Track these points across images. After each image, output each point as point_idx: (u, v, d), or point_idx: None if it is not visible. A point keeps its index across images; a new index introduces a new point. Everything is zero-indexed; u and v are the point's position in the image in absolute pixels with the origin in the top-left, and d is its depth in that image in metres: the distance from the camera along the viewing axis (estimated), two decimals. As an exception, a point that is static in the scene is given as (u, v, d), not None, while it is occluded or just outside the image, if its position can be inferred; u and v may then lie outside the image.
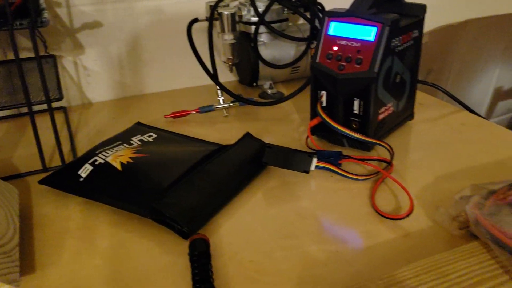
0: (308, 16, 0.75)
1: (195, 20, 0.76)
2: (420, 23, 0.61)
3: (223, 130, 0.69)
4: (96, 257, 0.44)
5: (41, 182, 0.54)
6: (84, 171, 0.53)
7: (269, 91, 0.80)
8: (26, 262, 0.44)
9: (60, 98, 0.57)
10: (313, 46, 0.78)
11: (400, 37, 0.57)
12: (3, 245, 0.41)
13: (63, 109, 0.77)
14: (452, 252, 0.41)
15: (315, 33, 0.76)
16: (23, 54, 0.75)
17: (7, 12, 0.50)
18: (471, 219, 0.44)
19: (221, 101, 0.74)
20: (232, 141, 0.59)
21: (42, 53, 0.74)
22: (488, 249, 0.42)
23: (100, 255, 0.44)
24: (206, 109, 0.74)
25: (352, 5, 0.58)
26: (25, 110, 0.77)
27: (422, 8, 0.61)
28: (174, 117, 0.73)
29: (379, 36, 0.54)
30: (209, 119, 0.73)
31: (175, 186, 0.50)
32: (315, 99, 0.60)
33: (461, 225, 0.46)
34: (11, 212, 0.47)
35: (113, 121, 0.74)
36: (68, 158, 0.62)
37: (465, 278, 0.39)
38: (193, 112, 0.73)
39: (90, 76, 0.80)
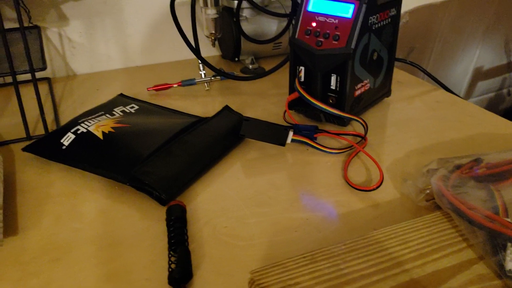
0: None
1: (179, -6, 0.76)
2: (398, 2, 0.63)
3: (205, 104, 0.71)
4: (76, 221, 0.46)
5: (24, 149, 0.55)
6: (67, 140, 0.55)
7: (250, 66, 0.82)
8: (9, 225, 0.45)
9: (43, 68, 0.58)
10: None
11: (378, 14, 0.59)
12: (-15, 208, 0.43)
13: (47, 79, 0.78)
14: (414, 221, 0.44)
15: (297, 10, 0.77)
16: (8, 25, 0.75)
17: (-12, -20, 0.51)
18: (435, 191, 0.46)
19: (203, 75, 0.75)
20: (213, 114, 0.61)
21: (26, 24, 0.75)
22: (449, 219, 0.44)
23: (80, 219, 0.46)
24: (188, 83, 0.75)
25: (332, -18, 0.59)
26: (10, 80, 0.77)
27: (401, -13, 0.62)
28: (156, 90, 0.74)
29: (356, 13, 0.55)
30: (191, 92, 0.75)
31: (154, 155, 0.51)
32: (293, 75, 0.62)
33: (427, 197, 0.49)
34: (-6, 177, 0.49)
35: (97, 92, 0.75)
36: (52, 127, 0.63)
37: (425, 245, 0.41)
38: (175, 85, 0.74)
39: (75, 48, 0.80)
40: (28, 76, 0.74)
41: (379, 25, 0.60)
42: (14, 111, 0.68)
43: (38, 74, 0.70)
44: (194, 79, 0.75)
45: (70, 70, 0.82)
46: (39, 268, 0.40)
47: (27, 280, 0.39)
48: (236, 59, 0.83)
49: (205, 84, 0.76)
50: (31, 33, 0.73)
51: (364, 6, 0.55)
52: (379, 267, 0.36)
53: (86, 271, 0.40)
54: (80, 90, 0.76)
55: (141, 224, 0.46)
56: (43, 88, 0.76)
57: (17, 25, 0.75)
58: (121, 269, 0.40)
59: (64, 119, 0.65)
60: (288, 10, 0.81)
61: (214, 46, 0.86)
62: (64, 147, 0.54)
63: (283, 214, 0.47)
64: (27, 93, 0.73)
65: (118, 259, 0.41)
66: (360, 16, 0.55)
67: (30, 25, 0.73)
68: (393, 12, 0.62)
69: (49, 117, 0.65)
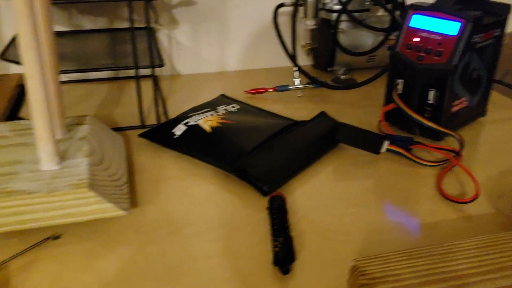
0: (389, 8, 0.78)
1: (281, 5, 0.81)
2: (502, 23, 0.63)
3: (296, 109, 0.74)
4: (188, 202, 0.51)
5: (141, 135, 0.62)
6: (178, 130, 0.61)
7: (342, 77, 0.85)
8: (130, 198, 0.51)
9: (162, 64, 0.65)
10: (391, 37, 0.81)
11: (482, 34, 0.60)
12: (116, 180, 0.49)
13: (153, 77, 0.85)
14: None
15: (394, 25, 0.79)
16: (124, 24, 0.84)
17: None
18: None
19: (297, 82, 0.79)
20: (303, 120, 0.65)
21: (140, 25, 0.83)
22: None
23: (191, 201, 0.51)
24: (282, 88, 0.79)
25: (437, 0, 0.61)
26: (122, 74, 0.86)
27: (507, 8, 0.63)
28: (252, 93, 0.79)
29: (461, 31, 0.57)
30: (284, 98, 0.79)
31: (258, 150, 0.56)
32: (391, 86, 0.64)
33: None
34: (121, 156, 0.56)
35: (198, 92, 0.81)
36: (161, 119, 0.69)
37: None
38: (270, 90, 0.79)
39: (181, 50, 0.87)
40: (140, 72, 0.82)
41: (482, 44, 0.61)
42: (126, 102, 0.76)
43: (145, 72, 0.78)
44: (288, 85, 0.79)
45: (175, 70, 0.89)
46: (157, 238, 0.46)
47: (149, 246, 0.45)
48: (329, 69, 0.87)
49: (298, 90, 0.80)
50: (143, 34, 0.81)
51: (470, 25, 0.57)
52: (480, 270, 0.37)
53: (199, 245, 0.45)
54: (184, 89, 0.82)
55: (243, 210, 0.50)
56: (150, 85, 0.83)
57: (128, 25, 0.84)
58: (229, 247, 0.45)
59: (171, 113, 0.71)
60: (384, 25, 0.83)
61: (308, 56, 0.90)
62: (175, 136, 0.60)
63: (376, 216, 0.49)
64: (135, 87, 0.81)
65: (226, 238, 0.46)
66: (465, 35, 0.57)
67: (156, 26, 0.81)
68: (497, 32, 0.63)
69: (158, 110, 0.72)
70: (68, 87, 0.82)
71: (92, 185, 0.44)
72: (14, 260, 0.42)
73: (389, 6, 0.79)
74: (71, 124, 0.54)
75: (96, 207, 0.44)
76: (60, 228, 0.46)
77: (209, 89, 0.82)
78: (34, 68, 0.42)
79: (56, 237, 0.45)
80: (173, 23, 0.85)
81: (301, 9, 0.80)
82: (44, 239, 0.45)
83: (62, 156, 0.47)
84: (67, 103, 0.75)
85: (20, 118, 0.69)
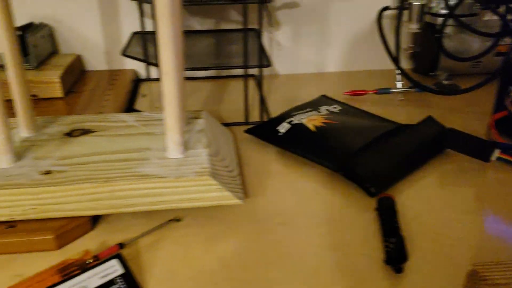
0: (500, 12, 0.76)
1: (386, 8, 0.81)
2: None
3: (396, 113, 0.74)
4: (295, 196, 0.53)
5: (246, 131, 0.65)
6: (283, 128, 0.63)
7: (444, 82, 0.83)
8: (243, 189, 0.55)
9: (269, 64, 0.67)
10: (501, 42, 0.78)
11: None
12: (231, 171, 0.53)
13: (254, 76, 0.89)
14: None
15: (506, 30, 0.76)
16: (228, 26, 0.88)
17: (245, -12, 0.62)
18: None
19: (399, 86, 0.79)
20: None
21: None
22: None
23: (298, 195, 0.53)
24: (383, 91, 0.79)
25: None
26: (224, 73, 0.90)
27: None
28: (352, 95, 0.80)
29: None
30: (384, 101, 0.79)
31: (364, 151, 0.57)
32: (503, 93, 0.62)
33: None
34: (231, 149, 0.59)
35: (297, 92, 0.83)
36: (262, 117, 0.72)
37: None
38: (371, 93, 0.79)
39: (281, 51, 0.90)
40: (237, 72, 0.86)
41: None
42: (228, 100, 0.80)
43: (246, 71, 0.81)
44: (390, 88, 0.79)
45: (273, 69, 0.92)
46: (269, 228, 0.48)
47: (262, 235, 0.47)
48: (431, 73, 0.85)
49: (400, 94, 0.79)
50: (249, 35, 0.84)
51: None
52: None
53: (308, 237, 0.47)
54: (283, 88, 0.85)
55: (348, 209, 0.51)
56: (251, 83, 0.87)
57: (234, 26, 0.88)
58: (339, 242, 0.46)
59: (271, 111, 0.74)
60: (492, 30, 0.80)
61: (410, 60, 0.89)
62: (280, 134, 0.62)
63: (489, 224, 0.48)
64: (237, 86, 0.85)
65: (334, 234, 0.47)
66: None
67: (269, 28, 0.85)
68: None
69: (258, 108, 0.75)
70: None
71: (213, 174, 0.48)
72: (142, 238, 0.47)
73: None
74: (190, 118, 0.59)
75: (216, 194, 0.47)
76: (180, 212, 0.50)
77: (307, 89, 0.84)
78: (170, 65, 0.46)
79: (178, 220, 0.49)
80: (274, 24, 0.87)
81: (405, 12, 0.79)
82: (168, 221, 0.49)
83: (185, 146, 0.51)
84: (176, 98, 0.80)
85: (136, 110, 0.76)
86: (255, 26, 0.87)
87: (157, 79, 0.89)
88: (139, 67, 0.89)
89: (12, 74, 0.52)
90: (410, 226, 0.48)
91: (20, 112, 0.54)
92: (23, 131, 0.54)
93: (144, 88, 0.85)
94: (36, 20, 0.83)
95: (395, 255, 0.42)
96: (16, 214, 0.45)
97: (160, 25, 0.45)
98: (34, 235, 0.45)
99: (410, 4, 0.79)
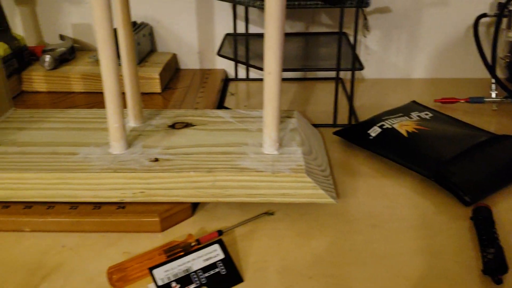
0: None
1: (483, 15, 0.79)
2: None
3: (488, 123, 0.72)
4: (385, 200, 0.54)
5: (335, 133, 0.66)
6: (373, 131, 0.63)
7: (544, 94, 0.79)
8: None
9: (362, 68, 0.68)
10: None
11: None
12: (324, 170, 0.54)
13: (340, 80, 0.89)
14: None
15: None
16: (317, 29, 0.89)
17: (343, -8, 0.63)
18: None
19: (494, 95, 0.76)
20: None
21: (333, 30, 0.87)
22: None
23: (387, 199, 0.54)
24: (476, 100, 0.77)
25: None
26: (310, 75, 0.91)
27: None
28: (442, 102, 0.78)
29: None
30: (476, 110, 0.76)
31: (459, 159, 0.56)
32: None
33: None
34: (322, 149, 0.60)
35: (385, 97, 0.83)
36: (351, 120, 0.73)
37: None
38: (462, 101, 0.77)
39: (369, 55, 0.90)
40: (325, 74, 0.87)
41: None
42: (315, 101, 0.81)
43: (331, 74, 0.82)
44: (483, 97, 0.76)
45: (360, 73, 0.92)
46: (360, 228, 0.49)
47: (353, 235, 0.48)
48: (529, 84, 0.81)
49: (494, 104, 0.76)
50: (336, 39, 0.85)
51: None
52: None
53: (401, 241, 0.47)
54: (370, 93, 0.85)
55: (439, 217, 0.51)
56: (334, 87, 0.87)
57: (323, 29, 0.89)
58: (430, 248, 0.46)
59: (358, 115, 0.74)
60: None
61: (507, 69, 0.86)
62: (371, 137, 0.63)
63: None
64: (322, 88, 0.86)
65: (426, 239, 0.47)
66: None
67: (364, 32, 0.86)
68: None
69: (347, 112, 0.76)
70: (260, 84, 0.90)
71: (308, 172, 0.49)
72: (238, 227, 0.49)
73: None
74: (282, 117, 0.61)
75: (310, 192, 0.49)
76: (273, 206, 0.52)
77: (395, 94, 0.84)
78: (273, 65, 0.48)
79: (271, 214, 0.51)
80: (370, 28, 0.88)
81: (504, 20, 0.77)
82: (261, 214, 0.51)
83: (279, 143, 0.53)
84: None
85: (226, 108, 0.79)
86: (345, 29, 0.88)
87: (245, 79, 0.92)
88: (228, 67, 0.92)
89: (125, 69, 0.57)
90: (508, 238, 0.47)
91: (130, 104, 0.59)
92: (131, 122, 0.59)
93: (232, 87, 0.89)
94: (138, 20, 0.89)
95: (495, 266, 0.41)
96: (126, 196, 0.50)
97: (268, 27, 0.47)
98: (141, 217, 0.49)
99: (511, 11, 0.76)
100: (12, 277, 0.43)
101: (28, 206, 0.50)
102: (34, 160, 0.51)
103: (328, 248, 0.47)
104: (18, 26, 0.90)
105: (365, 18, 0.77)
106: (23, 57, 0.80)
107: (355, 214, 0.52)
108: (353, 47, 0.69)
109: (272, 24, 0.47)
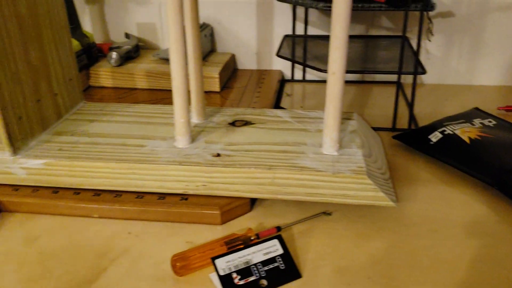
0: None
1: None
2: None
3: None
4: (443, 206, 0.53)
5: (395, 137, 0.66)
6: (434, 137, 0.62)
7: None
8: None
9: (424, 72, 0.67)
10: None
11: None
12: (384, 173, 0.54)
13: (399, 84, 0.88)
14: None
15: None
16: (377, 32, 0.89)
17: (408, -5, 0.62)
18: None
19: None
20: None
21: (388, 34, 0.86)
22: None
23: (447, 205, 0.53)
24: (543, 109, 0.74)
25: None
26: (367, 78, 0.91)
27: None
28: (506, 110, 0.76)
29: None
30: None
31: (526, 168, 0.54)
32: None
33: None
34: (381, 152, 0.60)
35: (445, 102, 0.81)
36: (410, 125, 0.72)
37: None
38: (528, 110, 0.74)
39: (429, 60, 0.88)
40: (381, 77, 0.87)
41: None
42: (373, 104, 0.81)
43: (393, 78, 0.81)
44: (552, 106, 0.73)
45: (420, 78, 0.90)
46: (420, 233, 0.49)
47: (417, 239, 0.48)
48: None
49: None
50: (397, 42, 0.84)
51: None
52: None
53: (461, 247, 0.46)
54: (430, 98, 0.83)
55: (503, 225, 0.49)
56: (393, 90, 0.87)
57: (383, 33, 0.88)
58: (492, 256, 0.45)
59: (418, 120, 0.73)
60: None
61: None
62: (431, 143, 0.62)
63: None
64: (379, 91, 0.86)
65: (489, 248, 0.46)
66: None
67: (428, 36, 0.85)
68: None
69: (406, 116, 0.75)
70: (316, 86, 0.91)
71: (369, 174, 0.49)
72: (296, 225, 0.50)
73: None
74: (342, 118, 0.61)
75: (371, 194, 0.49)
76: (330, 206, 0.53)
77: (455, 101, 0.82)
78: (338, 66, 0.49)
79: (328, 214, 0.52)
80: (427, 32, 0.86)
81: None
82: (319, 213, 0.52)
83: (339, 144, 0.54)
84: (321, 99, 0.83)
85: (282, 108, 0.80)
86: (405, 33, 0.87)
87: (301, 80, 0.93)
88: (285, 68, 0.93)
89: (191, 68, 0.59)
90: None
91: (194, 101, 0.61)
92: (194, 118, 0.61)
93: (288, 88, 0.90)
94: (200, 20, 0.91)
95: None
96: (189, 188, 0.51)
97: (334, 28, 0.47)
98: (203, 209, 0.50)
99: None
100: (83, 259, 0.46)
101: (97, 193, 0.53)
102: (104, 150, 0.54)
103: (387, 250, 0.46)
104: (87, 23, 0.95)
105: (430, 22, 0.76)
106: (92, 54, 0.84)
107: (413, 218, 0.51)
108: (415, 51, 0.68)
109: (339, 25, 0.47)
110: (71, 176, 0.53)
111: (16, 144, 0.54)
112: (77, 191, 0.53)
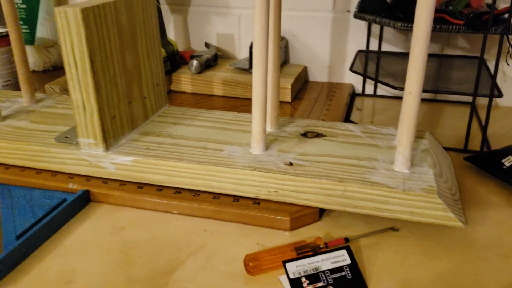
0: None
1: None
2: None
3: None
4: (499, 228, 0.52)
5: (466, 158, 0.66)
6: (508, 161, 0.62)
7: None
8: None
9: (500, 95, 0.66)
10: None
11: None
12: (454, 194, 0.54)
13: (472, 105, 0.87)
14: None
15: None
16: (454, 52, 0.88)
17: (489, 19, 0.62)
18: None
19: None
20: None
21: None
22: None
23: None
24: None
25: None
26: (439, 97, 0.90)
27: None
28: None
29: None
30: None
31: None
32: None
33: None
34: (452, 173, 0.60)
35: (521, 126, 0.79)
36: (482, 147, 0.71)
37: None
38: None
39: (506, 82, 0.87)
40: (452, 98, 0.86)
41: None
42: (444, 124, 0.80)
43: (465, 99, 0.80)
44: None
45: (495, 100, 0.88)
46: (487, 256, 0.49)
47: (484, 263, 0.48)
48: None
49: None
50: (471, 63, 0.84)
51: None
52: None
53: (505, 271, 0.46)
54: (504, 121, 0.82)
55: None
56: (468, 111, 0.85)
57: (462, 53, 0.88)
58: None
59: (491, 143, 0.72)
60: None
61: None
62: (504, 167, 0.61)
63: None
64: (450, 111, 0.85)
65: (562, 279, 0.46)
66: None
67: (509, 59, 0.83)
68: None
69: (477, 138, 0.74)
70: (387, 101, 0.91)
71: (440, 194, 0.50)
72: (362, 238, 0.52)
73: None
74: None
75: (440, 213, 0.49)
76: (397, 223, 0.54)
77: (533, 125, 0.80)
78: (415, 86, 0.50)
79: (395, 229, 0.53)
80: (505, 55, 0.84)
81: None
82: (386, 229, 0.53)
83: (411, 163, 0.55)
84: (391, 115, 0.84)
85: (352, 122, 0.82)
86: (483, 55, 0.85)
87: (372, 95, 0.94)
88: (356, 83, 0.95)
89: (270, 79, 0.62)
90: None
91: (269, 111, 0.64)
92: (268, 127, 0.65)
93: (358, 102, 0.91)
94: (276, 33, 0.95)
95: None
96: (261, 193, 0.55)
97: (414, 49, 0.49)
98: (274, 214, 0.53)
99: None
100: (162, 251, 0.51)
101: (178, 191, 0.57)
102: (186, 152, 0.59)
103: (452, 270, 0.47)
104: (171, 32, 1.02)
105: (510, 45, 0.75)
106: (175, 61, 0.90)
107: (482, 241, 0.51)
108: (491, 73, 0.67)
109: (419, 47, 0.48)
110: (156, 173, 0.58)
111: (109, 141, 0.59)
112: (159, 188, 0.58)
